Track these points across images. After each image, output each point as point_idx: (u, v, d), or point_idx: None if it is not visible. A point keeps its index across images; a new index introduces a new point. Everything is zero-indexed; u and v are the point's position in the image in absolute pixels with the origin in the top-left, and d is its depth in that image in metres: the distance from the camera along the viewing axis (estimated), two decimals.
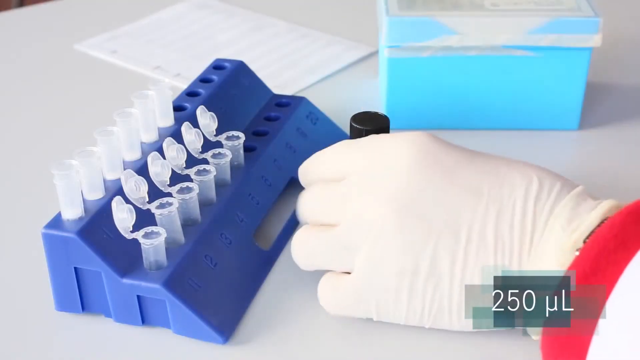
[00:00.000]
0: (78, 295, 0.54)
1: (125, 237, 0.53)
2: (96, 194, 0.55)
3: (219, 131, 0.63)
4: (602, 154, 0.74)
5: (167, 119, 0.63)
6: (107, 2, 1.07)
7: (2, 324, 0.56)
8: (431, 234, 0.48)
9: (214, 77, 0.70)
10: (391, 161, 0.50)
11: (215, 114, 0.63)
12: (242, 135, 0.63)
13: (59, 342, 0.55)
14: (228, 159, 0.61)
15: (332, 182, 0.53)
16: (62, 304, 0.55)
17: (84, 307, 0.55)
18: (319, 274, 0.55)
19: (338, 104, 0.79)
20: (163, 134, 0.62)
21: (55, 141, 0.77)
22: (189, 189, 0.57)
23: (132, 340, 0.54)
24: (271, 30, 0.97)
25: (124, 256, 0.53)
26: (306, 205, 0.55)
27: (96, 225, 0.53)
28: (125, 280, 0.53)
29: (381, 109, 0.80)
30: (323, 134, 0.73)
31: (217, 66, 0.72)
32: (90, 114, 0.81)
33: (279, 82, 0.85)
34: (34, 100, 0.85)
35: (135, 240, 0.53)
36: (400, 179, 0.49)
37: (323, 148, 0.70)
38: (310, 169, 0.57)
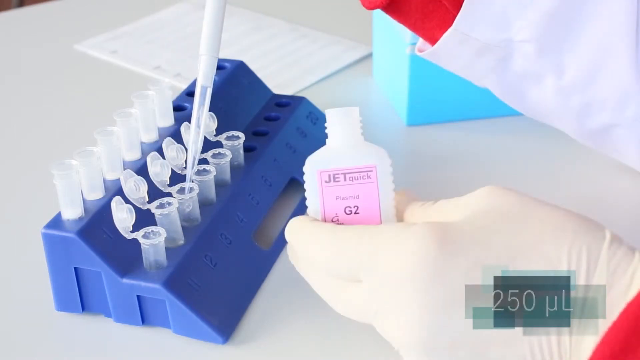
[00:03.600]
0: (78, 295, 0.54)
1: (125, 237, 0.53)
2: (96, 194, 0.55)
3: (219, 131, 0.63)
4: None
5: (167, 119, 0.63)
6: (107, 2, 1.07)
7: (2, 324, 0.56)
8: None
9: (214, 77, 0.70)
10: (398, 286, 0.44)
11: (215, 114, 0.63)
12: (242, 135, 0.63)
13: (59, 342, 0.55)
14: (228, 159, 0.61)
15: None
16: (62, 304, 0.55)
17: (84, 307, 0.55)
18: None
19: (338, 104, 0.79)
20: (163, 134, 0.62)
21: (55, 141, 0.77)
22: (189, 189, 0.57)
23: (132, 340, 0.54)
24: (271, 30, 0.97)
25: (124, 256, 0.53)
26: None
27: (96, 225, 0.53)
28: (125, 280, 0.53)
29: (386, 107, 0.81)
30: (323, 133, 0.72)
31: (217, 66, 0.72)
32: (91, 114, 0.81)
33: (279, 82, 0.85)
34: (34, 100, 0.85)
35: (135, 240, 0.53)
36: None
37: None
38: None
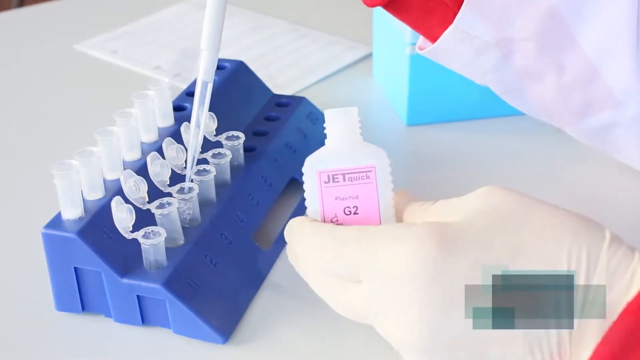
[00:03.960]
0: (78, 295, 0.54)
1: (125, 237, 0.53)
2: (96, 194, 0.55)
3: (219, 131, 0.63)
4: None
5: (167, 119, 0.63)
6: (107, 2, 1.07)
7: (2, 324, 0.56)
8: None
9: (214, 77, 0.70)
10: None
11: (215, 114, 0.63)
12: (242, 135, 0.63)
13: (59, 342, 0.55)
14: (228, 159, 0.61)
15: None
16: (62, 304, 0.55)
17: (84, 307, 0.55)
18: None
19: (338, 104, 0.79)
20: (163, 134, 0.62)
21: (55, 141, 0.77)
22: (189, 189, 0.57)
23: (132, 340, 0.54)
24: (271, 30, 0.97)
25: (124, 256, 0.53)
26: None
27: (96, 225, 0.53)
28: (125, 280, 0.53)
29: (386, 107, 0.81)
30: (323, 133, 0.72)
31: (217, 66, 0.72)
32: (91, 114, 0.81)
33: (279, 82, 0.85)
34: (34, 100, 0.85)
35: (135, 240, 0.53)
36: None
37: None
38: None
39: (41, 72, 0.91)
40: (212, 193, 0.59)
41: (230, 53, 0.90)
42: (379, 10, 0.76)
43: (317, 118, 0.73)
